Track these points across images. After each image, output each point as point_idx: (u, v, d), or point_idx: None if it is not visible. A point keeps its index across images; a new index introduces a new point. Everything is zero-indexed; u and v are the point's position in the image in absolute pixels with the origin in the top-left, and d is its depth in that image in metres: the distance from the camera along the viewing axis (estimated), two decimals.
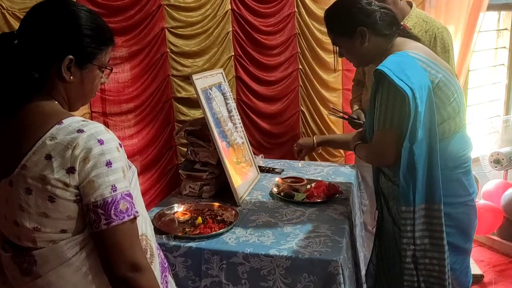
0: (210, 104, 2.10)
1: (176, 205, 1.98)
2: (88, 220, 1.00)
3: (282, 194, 2.12)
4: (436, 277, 1.55)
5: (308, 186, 2.20)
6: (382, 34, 1.62)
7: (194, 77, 2.00)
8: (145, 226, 1.19)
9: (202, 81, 2.07)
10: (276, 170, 2.53)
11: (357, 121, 2.36)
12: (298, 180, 2.28)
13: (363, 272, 2.18)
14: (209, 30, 2.71)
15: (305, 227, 1.82)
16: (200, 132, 2.11)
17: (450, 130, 1.56)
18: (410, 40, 1.64)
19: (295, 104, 3.20)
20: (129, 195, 1.03)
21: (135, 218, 1.04)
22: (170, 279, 1.32)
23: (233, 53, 2.86)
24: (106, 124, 2.54)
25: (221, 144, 2.06)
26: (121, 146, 1.06)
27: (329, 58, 3.21)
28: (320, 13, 3.03)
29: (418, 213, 1.51)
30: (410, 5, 2.39)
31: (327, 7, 1.74)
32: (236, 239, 1.74)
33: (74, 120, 1.02)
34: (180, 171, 2.20)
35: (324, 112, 3.24)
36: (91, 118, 2.47)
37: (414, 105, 1.43)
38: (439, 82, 1.52)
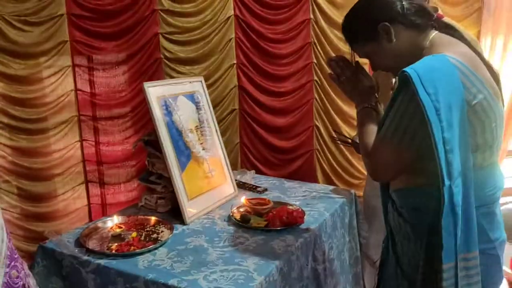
0: (169, 114, 1.99)
1: (110, 218, 1.89)
2: None
3: (237, 217, 1.93)
4: None
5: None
6: (412, 25, 1.33)
7: (146, 85, 1.90)
8: None
9: (159, 89, 1.97)
10: (258, 189, 2.33)
11: None
12: (264, 202, 2.06)
13: None
14: (208, 37, 2.61)
15: (231, 258, 1.62)
16: (157, 143, 2.00)
17: (475, 165, 1.24)
18: (454, 40, 1.33)
19: (309, 118, 2.95)
20: None
21: None
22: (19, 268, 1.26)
23: (235, 61, 2.71)
24: (96, 129, 2.55)
25: (174, 156, 1.93)
26: None
27: None
28: (340, 19, 2.74)
29: (460, 266, 1.20)
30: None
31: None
32: (151, 262, 1.60)
33: None
34: (138, 181, 2.11)
35: (344, 127, 2.94)
36: (79, 122, 2.50)
37: (439, 129, 1.14)
38: (476, 105, 1.21)
